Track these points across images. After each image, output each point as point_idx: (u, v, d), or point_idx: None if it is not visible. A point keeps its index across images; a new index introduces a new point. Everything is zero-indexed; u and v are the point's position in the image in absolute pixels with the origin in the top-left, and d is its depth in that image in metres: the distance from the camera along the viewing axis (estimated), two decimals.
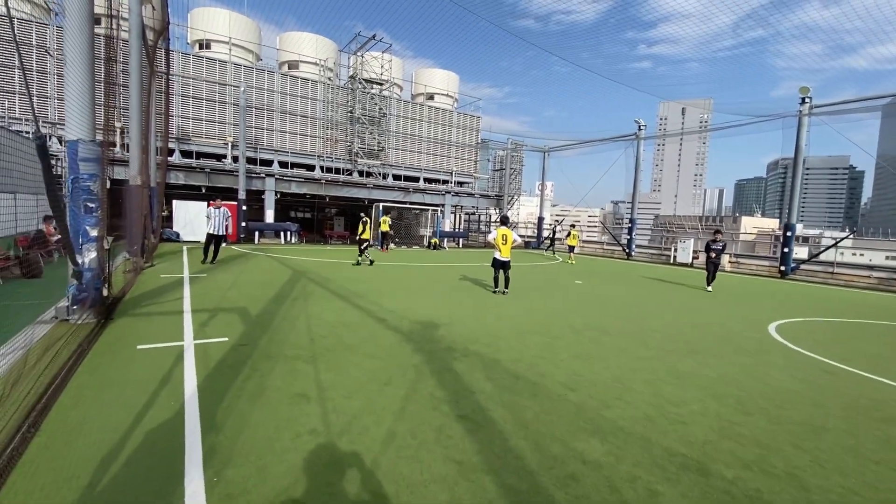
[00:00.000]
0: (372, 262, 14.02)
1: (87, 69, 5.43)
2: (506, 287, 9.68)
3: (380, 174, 26.16)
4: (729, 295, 11.49)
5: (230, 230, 13.67)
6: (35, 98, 18.11)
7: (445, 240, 26.35)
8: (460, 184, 29.76)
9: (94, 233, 5.50)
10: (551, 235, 26.34)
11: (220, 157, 21.88)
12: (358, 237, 14.19)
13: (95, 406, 3.33)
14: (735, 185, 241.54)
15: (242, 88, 20.93)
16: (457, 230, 30.33)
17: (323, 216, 30.60)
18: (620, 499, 2.53)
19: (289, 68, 25.61)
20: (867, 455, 3.23)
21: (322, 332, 5.75)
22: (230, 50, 22.56)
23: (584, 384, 4.31)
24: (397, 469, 2.70)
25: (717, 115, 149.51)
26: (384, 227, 21.25)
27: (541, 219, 31.13)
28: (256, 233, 21.60)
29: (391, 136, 26.65)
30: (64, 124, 5.79)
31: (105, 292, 5.76)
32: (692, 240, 22.65)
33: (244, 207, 20.56)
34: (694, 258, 21.78)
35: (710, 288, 12.07)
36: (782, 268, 17.58)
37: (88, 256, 5.44)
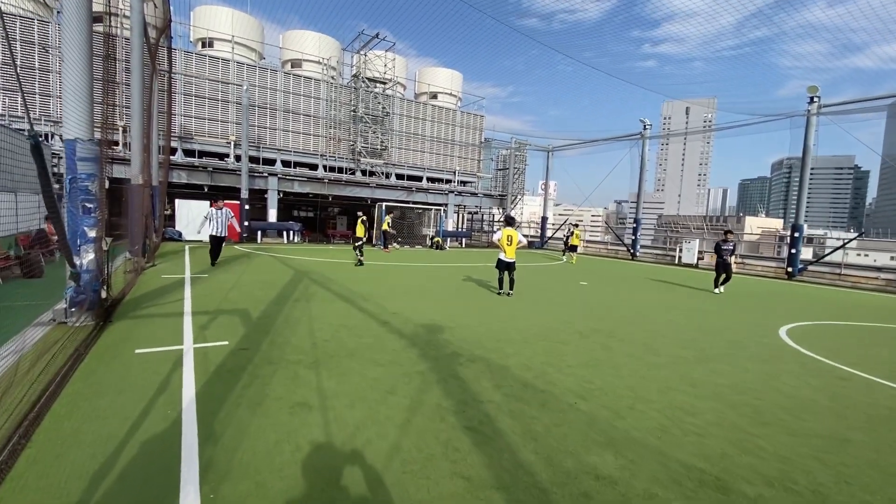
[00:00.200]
0: (361, 263, 13.60)
1: (86, 67, 5.32)
2: (511, 289, 9.54)
3: (383, 173, 26.04)
4: (737, 297, 11.32)
5: (237, 229, 13.48)
6: (37, 96, 18.07)
7: (448, 240, 26.21)
8: (463, 183, 29.61)
9: (92, 234, 5.39)
10: (566, 238, 23.69)
11: (222, 156, 21.80)
12: (353, 236, 14.07)
13: (89, 415, 3.21)
14: (739, 185, 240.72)
15: (245, 87, 20.84)
16: (459, 230, 30.20)
17: (326, 216, 30.51)
18: None
19: (292, 67, 25.51)
20: (891, 470, 3.09)
21: (324, 335, 5.64)
22: (233, 48, 22.46)
23: (594, 393, 4.18)
24: (403, 486, 2.57)
25: (721, 115, 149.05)
26: (385, 227, 21.14)
27: (544, 218, 30.94)
28: (259, 232, 21.52)
29: (394, 135, 26.53)
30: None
31: (104, 294, 5.66)
32: (697, 240, 22.45)
33: (247, 207, 20.49)
34: (699, 259, 21.60)
35: (717, 290, 11.90)
36: (789, 269, 17.38)
37: (87, 258, 5.33)
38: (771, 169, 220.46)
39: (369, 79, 24.95)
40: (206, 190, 20.67)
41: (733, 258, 12.07)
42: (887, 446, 3.45)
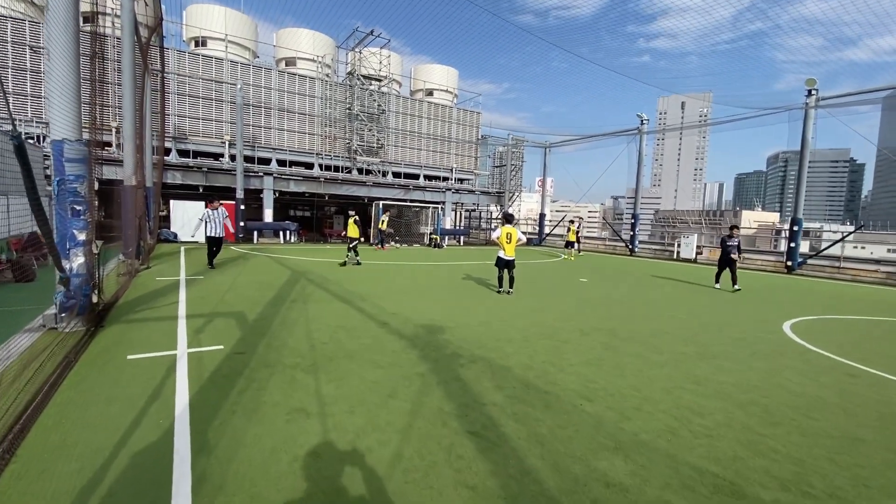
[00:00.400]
0: (344, 264, 13.21)
1: (72, 66, 5.17)
2: (510, 287, 9.44)
3: (379, 172, 25.87)
4: (737, 292, 11.24)
5: (230, 229, 13.27)
6: (29, 98, 17.83)
7: (446, 238, 26.07)
8: (460, 180, 29.47)
9: (81, 237, 5.25)
10: (578, 235, 22.38)
11: (217, 156, 21.59)
12: (346, 235, 13.77)
13: (78, 426, 3.09)
14: (735, 179, 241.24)
15: (239, 86, 20.63)
16: (457, 228, 30.07)
17: (322, 215, 30.32)
18: None
19: (286, 65, 25.29)
20: None
21: (322, 337, 5.52)
22: (226, 47, 22.22)
23: (599, 393, 4.08)
24: (405, 497, 2.46)
25: (716, 109, 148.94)
26: (382, 226, 20.99)
27: (542, 215, 30.85)
28: (255, 232, 21.35)
29: (390, 132, 26.35)
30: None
31: (95, 298, 5.52)
32: (695, 235, 22.40)
33: (242, 207, 20.30)
34: (698, 253, 21.55)
35: (717, 285, 11.83)
36: (789, 263, 17.34)
37: (76, 261, 5.20)
38: (766, 163, 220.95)
39: (364, 76, 24.75)
40: (201, 190, 20.46)
41: (739, 255, 11.66)
42: None
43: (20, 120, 17.64)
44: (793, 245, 17.28)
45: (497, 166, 31.81)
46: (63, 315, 5.08)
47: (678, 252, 22.43)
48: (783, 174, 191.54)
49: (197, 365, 4.35)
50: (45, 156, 16.31)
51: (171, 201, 19.89)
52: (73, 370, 4.09)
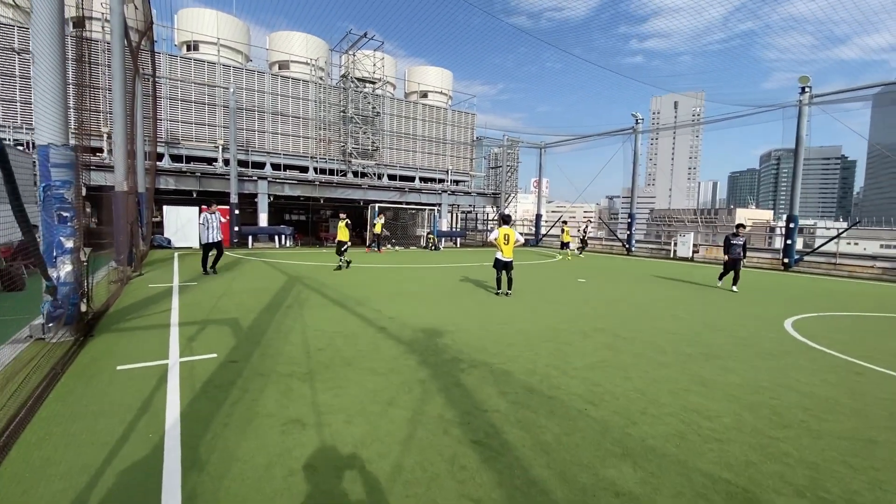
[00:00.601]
0: (339, 268, 12.95)
1: (58, 69, 5.03)
2: (509, 288, 9.34)
3: (375, 174, 25.74)
4: (736, 289, 11.18)
5: (225, 224, 13.05)
6: (18, 104, 17.59)
7: (442, 240, 25.96)
8: (456, 182, 29.39)
9: (69, 244, 5.10)
10: (582, 237, 22.69)
11: (210, 161, 21.41)
12: (336, 239, 13.57)
13: (63, 442, 2.95)
14: (728, 178, 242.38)
15: (232, 90, 20.47)
16: (454, 229, 29.97)
17: (318, 218, 30.16)
18: None
19: (279, 69, 25.15)
20: None
21: (319, 343, 5.39)
22: (219, 51, 22.07)
23: (604, 397, 3.97)
24: None
25: (709, 108, 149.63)
26: (377, 229, 20.84)
27: (538, 216, 30.81)
28: (250, 237, 21.15)
29: (385, 135, 26.24)
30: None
31: (83, 307, 5.37)
32: (692, 234, 22.41)
33: (237, 211, 20.11)
34: (694, 252, 21.55)
35: (720, 283, 11.76)
36: (785, 260, 17.35)
37: (63, 270, 5.04)
38: (759, 161, 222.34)
39: (358, 79, 24.64)
40: (194, 196, 20.26)
41: (744, 255, 11.42)
42: None
43: (9, 126, 17.40)
44: (789, 242, 17.29)
45: (493, 167, 31.75)
46: (50, 325, 4.93)
47: (675, 251, 22.42)
48: (776, 172, 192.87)
49: (189, 375, 4.21)
50: (35, 162, 16.09)
51: (165, 207, 19.67)
52: (59, 382, 3.94)
